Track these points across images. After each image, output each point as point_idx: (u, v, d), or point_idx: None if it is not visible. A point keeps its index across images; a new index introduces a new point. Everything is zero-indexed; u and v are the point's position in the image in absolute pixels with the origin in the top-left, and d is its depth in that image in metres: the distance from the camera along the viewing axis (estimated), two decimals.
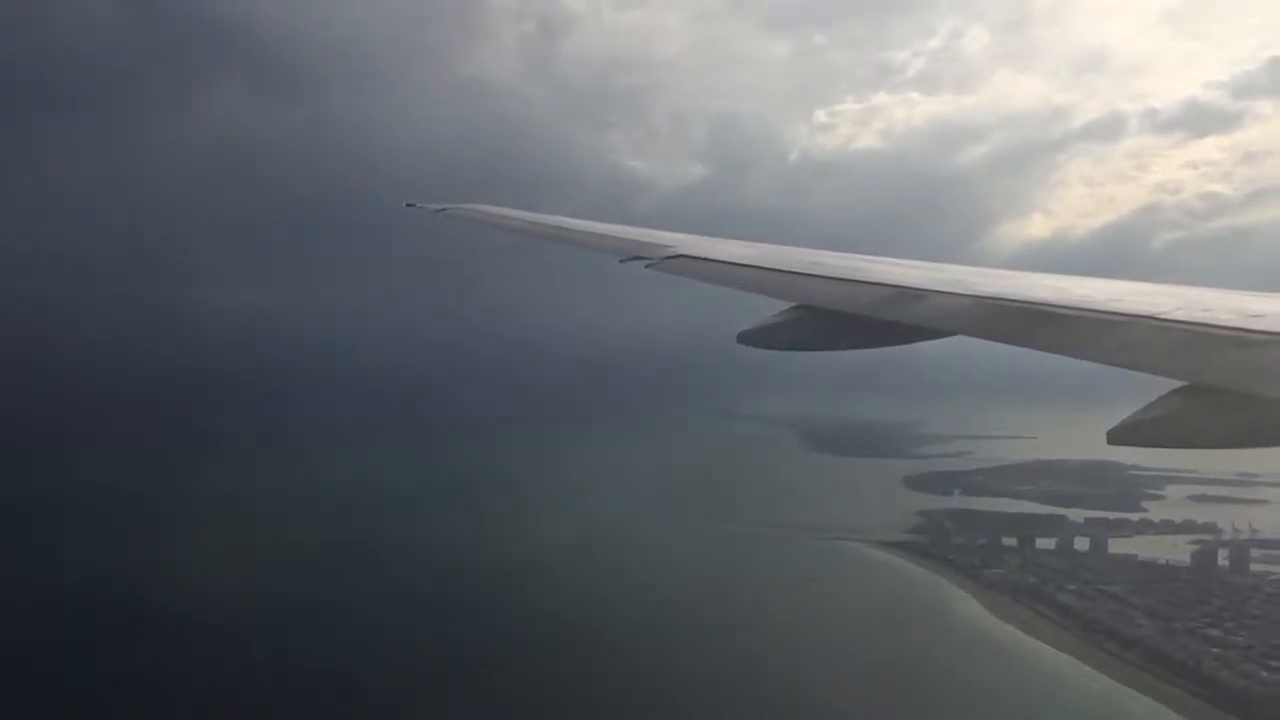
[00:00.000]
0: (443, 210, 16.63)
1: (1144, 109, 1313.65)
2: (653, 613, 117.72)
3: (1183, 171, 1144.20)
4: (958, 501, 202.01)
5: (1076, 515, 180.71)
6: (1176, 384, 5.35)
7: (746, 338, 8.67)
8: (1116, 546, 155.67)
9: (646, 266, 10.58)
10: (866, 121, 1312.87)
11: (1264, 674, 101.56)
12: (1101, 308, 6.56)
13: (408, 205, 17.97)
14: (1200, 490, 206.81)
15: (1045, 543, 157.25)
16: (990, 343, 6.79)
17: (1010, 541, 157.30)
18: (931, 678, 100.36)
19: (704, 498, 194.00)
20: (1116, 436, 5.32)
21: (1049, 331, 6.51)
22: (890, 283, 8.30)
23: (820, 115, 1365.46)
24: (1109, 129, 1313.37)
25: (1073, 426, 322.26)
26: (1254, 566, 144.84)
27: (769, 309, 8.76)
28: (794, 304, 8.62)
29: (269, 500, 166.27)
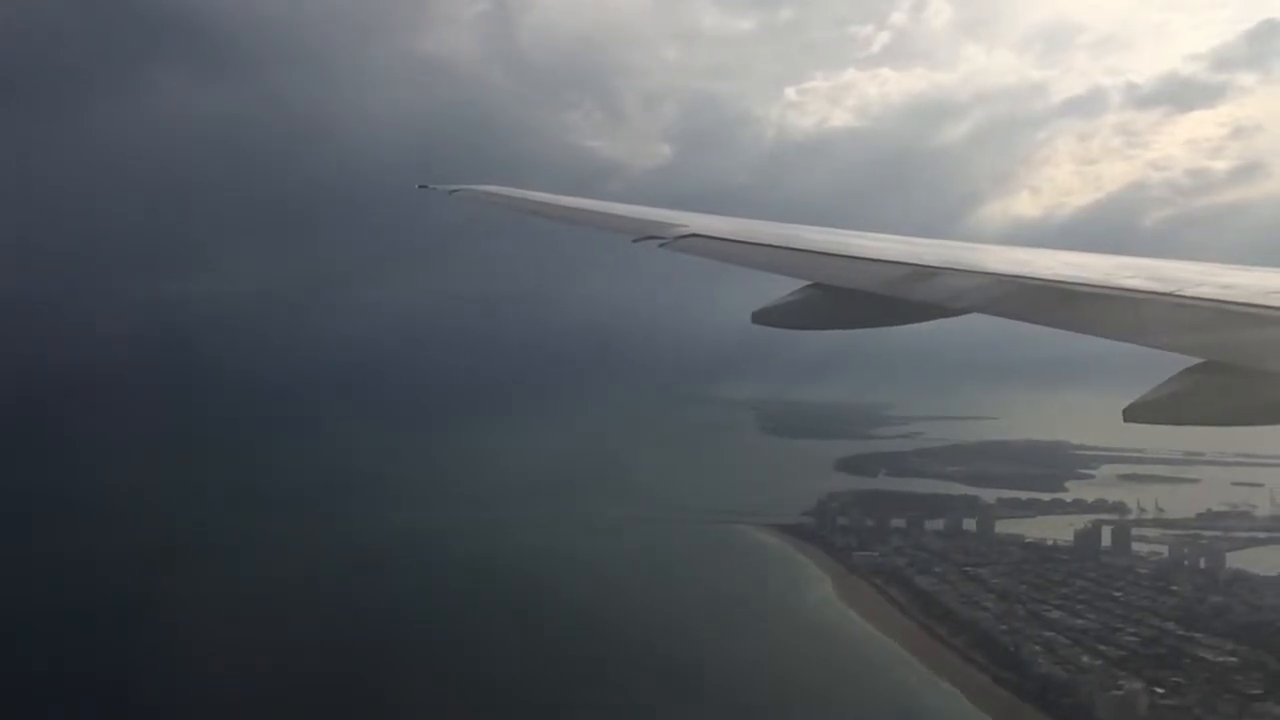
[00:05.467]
0: (455, 191, 16.75)
1: (1124, 83, 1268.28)
2: (477, 598, 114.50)
3: (1170, 147, 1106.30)
4: (880, 483, 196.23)
5: (990, 496, 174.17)
6: (1191, 361, 5.18)
7: (760, 316, 8.54)
8: (1007, 527, 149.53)
9: (659, 246, 10.38)
10: (838, 99, 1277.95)
11: (1085, 659, 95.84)
12: (1118, 284, 6.37)
13: (420, 187, 17.84)
14: (1135, 470, 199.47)
15: (937, 524, 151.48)
16: (1005, 321, 6.53)
17: (899, 523, 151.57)
18: (732, 664, 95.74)
19: (618, 483, 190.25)
20: (1134, 414, 5.21)
21: (1065, 309, 6.35)
22: (904, 260, 8.12)
23: (790, 93, 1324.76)
24: (1090, 104, 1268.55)
25: (1051, 407, 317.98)
26: (1144, 547, 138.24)
27: (782, 288, 8.59)
28: (808, 283, 8.45)
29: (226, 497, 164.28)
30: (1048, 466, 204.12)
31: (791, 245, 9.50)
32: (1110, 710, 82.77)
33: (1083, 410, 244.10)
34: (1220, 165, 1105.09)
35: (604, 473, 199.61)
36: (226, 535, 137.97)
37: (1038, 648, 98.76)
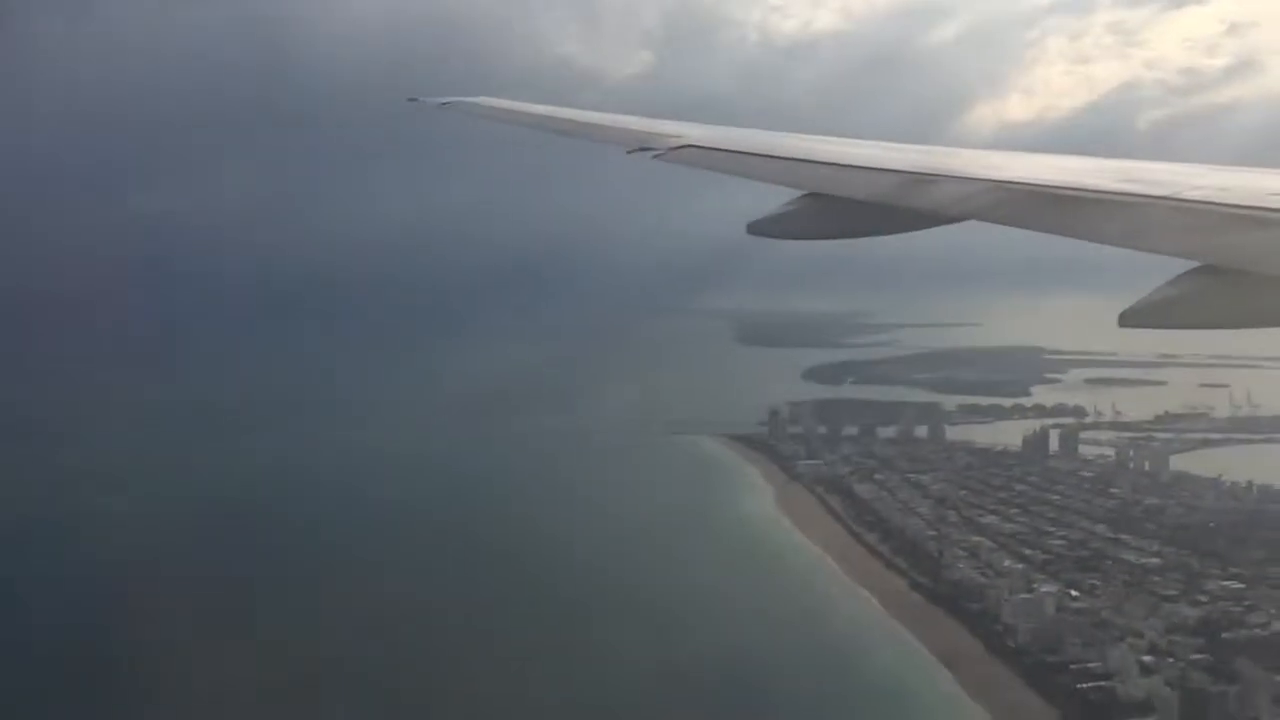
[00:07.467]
0: (446, 104, 16.59)
1: None
2: (415, 515, 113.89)
3: (1165, 46, 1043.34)
4: (843, 391, 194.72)
5: (952, 402, 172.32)
6: (1188, 265, 5.16)
7: (756, 228, 8.57)
8: (963, 433, 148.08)
9: (654, 157, 10.33)
10: (821, 1, 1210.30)
11: (1007, 563, 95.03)
12: (1117, 189, 6.33)
13: (410, 100, 17.43)
14: (1104, 374, 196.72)
15: (890, 431, 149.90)
16: (1001, 227, 6.60)
17: (851, 431, 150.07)
18: (646, 574, 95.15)
19: (578, 396, 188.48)
20: (1129, 319, 5.13)
21: (1062, 215, 6.37)
22: (902, 168, 8.02)
23: None
24: (1079, 1, 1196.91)
25: (1035, 312, 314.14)
26: (1094, 450, 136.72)
27: (778, 198, 8.55)
28: (805, 192, 8.41)
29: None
30: (1017, 371, 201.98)
31: (787, 155, 9.46)
32: (1016, 613, 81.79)
33: (1070, 315, 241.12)
34: (1215, 63, 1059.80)
35: (567, 387, 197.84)
36: (177, 455, 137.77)
37: (961, 553, 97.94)
